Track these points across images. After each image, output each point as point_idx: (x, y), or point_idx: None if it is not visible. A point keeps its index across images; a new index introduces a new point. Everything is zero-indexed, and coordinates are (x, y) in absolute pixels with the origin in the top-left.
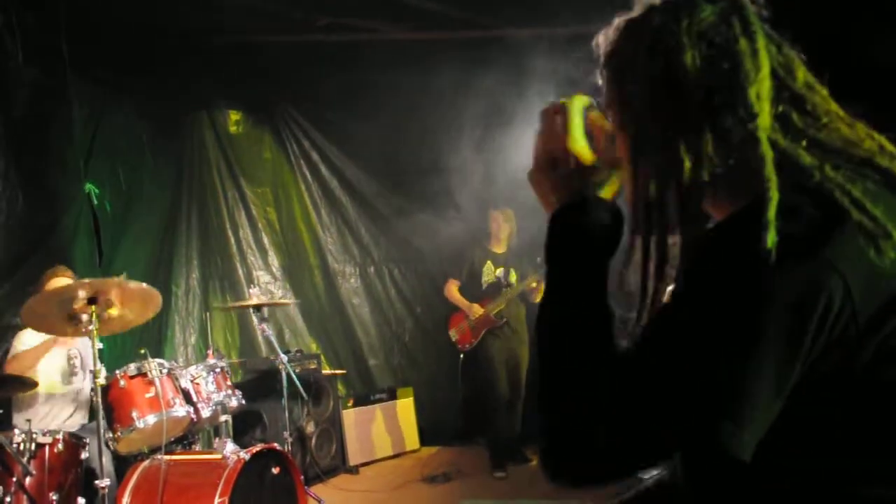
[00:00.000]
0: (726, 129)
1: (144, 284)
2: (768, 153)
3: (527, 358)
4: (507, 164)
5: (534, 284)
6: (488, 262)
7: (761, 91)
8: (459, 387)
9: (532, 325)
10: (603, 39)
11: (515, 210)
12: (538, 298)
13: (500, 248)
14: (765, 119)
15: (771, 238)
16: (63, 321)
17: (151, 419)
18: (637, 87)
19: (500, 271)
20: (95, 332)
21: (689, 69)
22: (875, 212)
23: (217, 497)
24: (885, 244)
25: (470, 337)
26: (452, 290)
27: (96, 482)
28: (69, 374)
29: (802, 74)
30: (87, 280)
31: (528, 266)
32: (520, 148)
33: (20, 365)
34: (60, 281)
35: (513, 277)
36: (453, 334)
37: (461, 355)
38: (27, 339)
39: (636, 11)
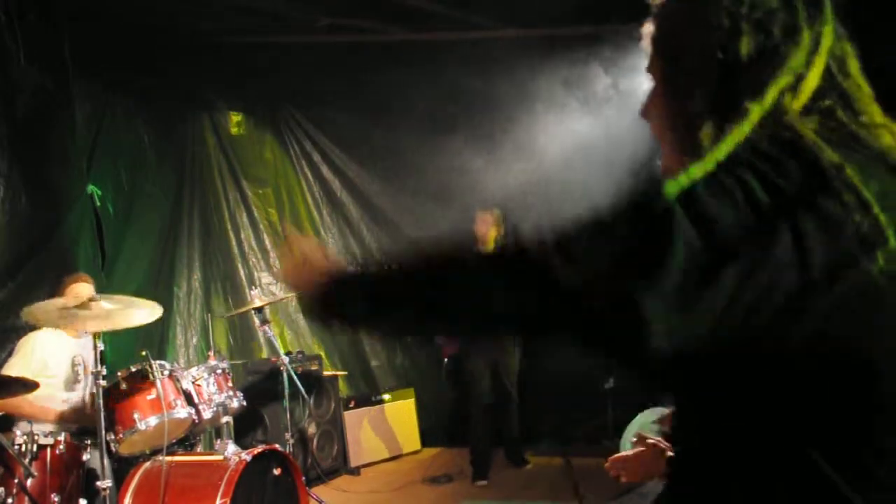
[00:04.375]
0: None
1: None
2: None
3: (513, 365)
4: (506, 164)
5: None
6: None
7: (804, 85)
8: (447, 390)
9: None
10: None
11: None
12: None
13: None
14: (794, 110)
15: None
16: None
17: (153, 421)
18: (687, 64)
19: None
20: (96, 333)
21: (741, 55)
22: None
23: (219, 498)
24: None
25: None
26: None
27: (98, 483)
28: (73, 381)
29: (855, 71)
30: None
31: None
32: (519, 147)
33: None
34: (82, 287)
35: None
36: (437, 338)
37: (444, 359)
38: (44, 341)
39: None
